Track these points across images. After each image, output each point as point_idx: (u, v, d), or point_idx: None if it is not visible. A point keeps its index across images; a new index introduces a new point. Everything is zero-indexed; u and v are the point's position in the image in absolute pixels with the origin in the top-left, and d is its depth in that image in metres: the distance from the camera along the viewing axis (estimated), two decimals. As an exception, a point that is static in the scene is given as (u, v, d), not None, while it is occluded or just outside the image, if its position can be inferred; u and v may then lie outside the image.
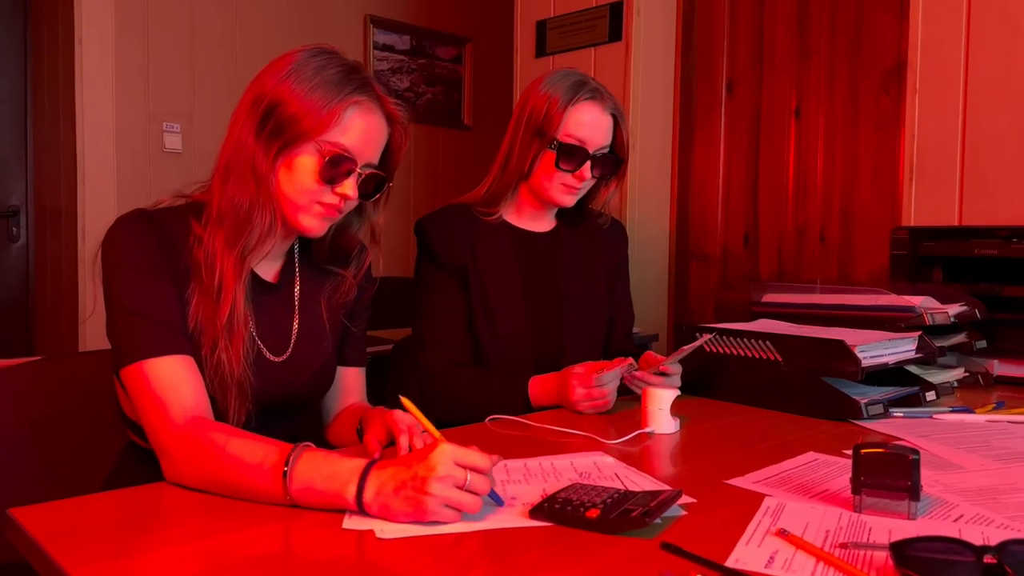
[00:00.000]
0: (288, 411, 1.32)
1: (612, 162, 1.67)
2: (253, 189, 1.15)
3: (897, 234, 2.03)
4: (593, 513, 0.86)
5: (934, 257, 2.01)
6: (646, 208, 3.26)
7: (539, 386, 1.54)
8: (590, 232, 1.80)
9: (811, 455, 1.18)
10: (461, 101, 4.80)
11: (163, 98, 3.65)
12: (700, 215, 3.30)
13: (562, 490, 0.94)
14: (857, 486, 0.93)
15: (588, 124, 1.60)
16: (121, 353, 1.10)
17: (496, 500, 0.92)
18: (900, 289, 1.74)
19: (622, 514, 0.86)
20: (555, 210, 1.76)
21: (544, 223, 1.76)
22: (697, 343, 1.51)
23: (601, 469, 1.09)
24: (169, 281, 1.14)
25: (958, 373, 1.68)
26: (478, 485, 0.87)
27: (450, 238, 1.66)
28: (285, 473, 0.91)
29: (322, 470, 0.91)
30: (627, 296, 1.87)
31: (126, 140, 3.55)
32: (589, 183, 1.67)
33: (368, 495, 0.88)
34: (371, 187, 1.23)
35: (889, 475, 0.91)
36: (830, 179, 2.93)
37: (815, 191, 2.97)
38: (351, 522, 0.87)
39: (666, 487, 1.00)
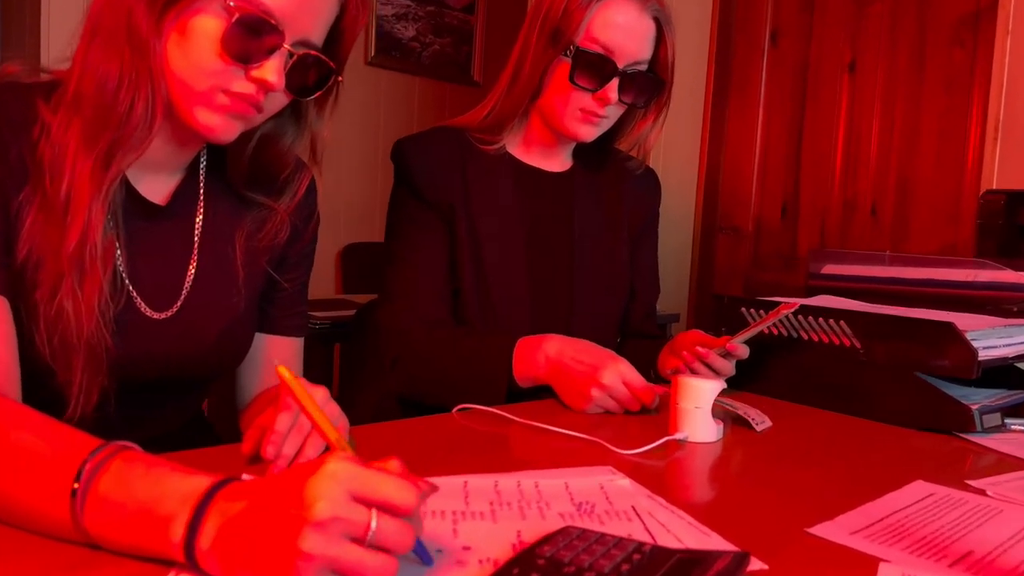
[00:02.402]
0: (175, 391, 0.95)
1: (650, 84, 1.25)
2: (126, 58, 0.78)
3: (988, 198, 1.63)
4: (597, 594, 0.49)
5: (1036, 229, 1.62)
6: (670, 172, 2.87)
7: (529, 352, 1.11)
8: (616, 178, 1.40)
9: (921, 486, 0.80)
10: (471, 55, 4.41)
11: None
12: (732, 182, 2.93)
13: (547, 539, 0.57)
14: (1046, 559, 0.55)
15: (619, 27, 1.19)
16: None
17: (423, 557, 0.55)
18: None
19: (649, 599, 0.48)
20: (572, 145, 1.36)
21: (557, 161, 1.36)
22: (779, 313, 1.11)
23: (612, 498, 0.71)
24: None
25: (1075, 375, 1.30)
26: (392, 536, 0.49)
27: (436, 167, 1.27)
28: (75, 491, 0.54)
29: (137, 490, 0.54)
30: (654, 264, 1.47)
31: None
32: (616, 110, 1.26)
33: (204, 541, 0.51)
34: (310, 77, 0.85)
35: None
36: (886, 145, 2.54)
37: (868, 158, 2.59)
38: (173, 588, 0.50)
39: (718, 539, 0.62)
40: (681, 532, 0.63)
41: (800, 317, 1.16)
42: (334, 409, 0.80)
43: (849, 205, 2.63)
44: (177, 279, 0.92)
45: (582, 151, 1.37)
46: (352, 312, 1.79)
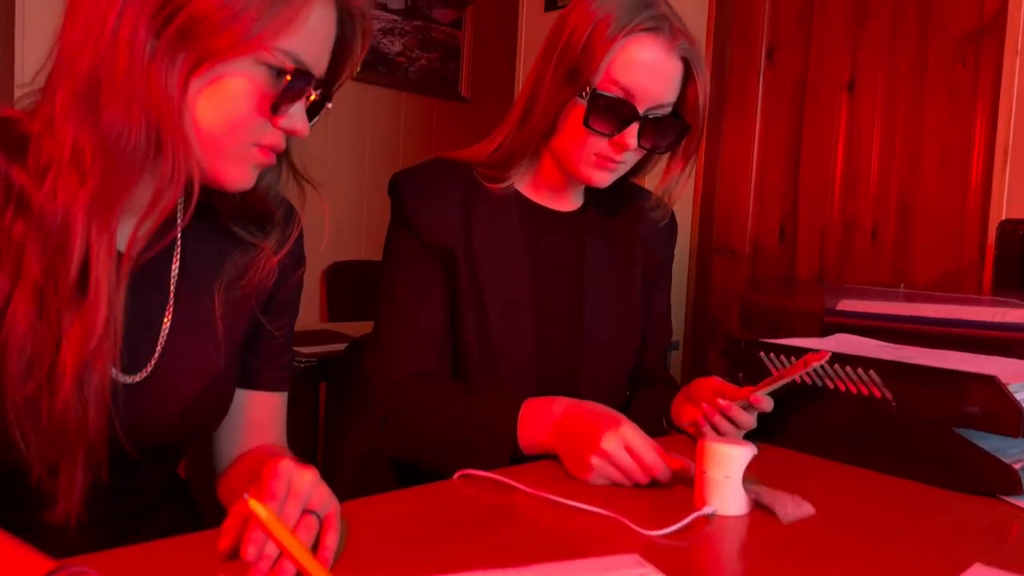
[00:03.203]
0: (145, 459, 0.86)
1: (674, 128, 1.15)
2: (153, 121, 0.71)
3: (1005, 228, 1.56)
4: None
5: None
6: (665, 192, 2.80)
7: (536, 416, 1.02)
8: (631, 217, 1.30)
9: (982, 573, 0.72)
10: (459, 70, 4.33)
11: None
12: (728, 203, 2.86)
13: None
14: None
15: (643, 67, 1.09)
16: None
17: None
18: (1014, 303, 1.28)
19: None
20: (584, 184, 1.25)
21: (568, 200, 1.27)
22: (807, 365, 1.02)
23: (644, 602, 0.62)
24: None
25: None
26: None
27: (436, 206, 1.17)
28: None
29: None
30: (667, 307, 1.37)
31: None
32: (634, 156, 1.16)
33: None
34: (312, 110, 0.84)
35: None
36: (887, 164, 2.48)
37: (868, 179, 2.53)
38: None
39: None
40: (730, 652, 0.55)
41: (826, 365, 1.08)
42: (323, 492, 0.71)
43: (849, 227, 2.56)
44: (151, 335, 0.83)
45: (595, 188, 1.28)
46: (340, 347, 1.70)
